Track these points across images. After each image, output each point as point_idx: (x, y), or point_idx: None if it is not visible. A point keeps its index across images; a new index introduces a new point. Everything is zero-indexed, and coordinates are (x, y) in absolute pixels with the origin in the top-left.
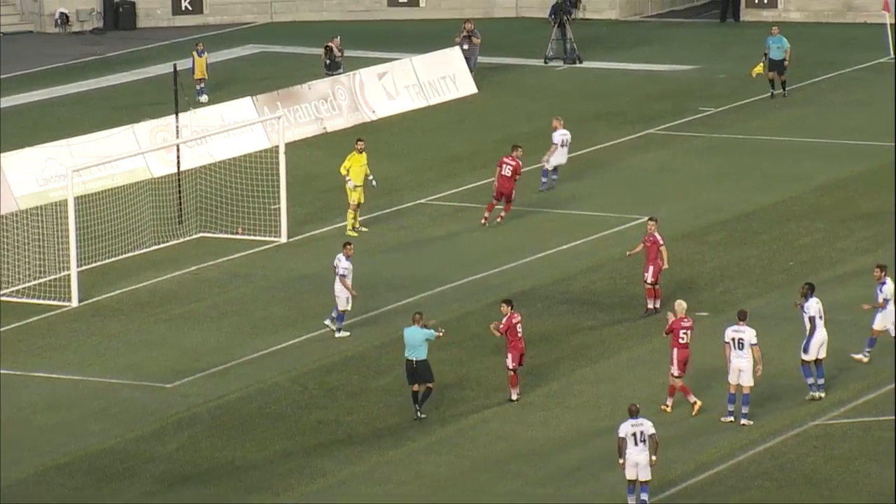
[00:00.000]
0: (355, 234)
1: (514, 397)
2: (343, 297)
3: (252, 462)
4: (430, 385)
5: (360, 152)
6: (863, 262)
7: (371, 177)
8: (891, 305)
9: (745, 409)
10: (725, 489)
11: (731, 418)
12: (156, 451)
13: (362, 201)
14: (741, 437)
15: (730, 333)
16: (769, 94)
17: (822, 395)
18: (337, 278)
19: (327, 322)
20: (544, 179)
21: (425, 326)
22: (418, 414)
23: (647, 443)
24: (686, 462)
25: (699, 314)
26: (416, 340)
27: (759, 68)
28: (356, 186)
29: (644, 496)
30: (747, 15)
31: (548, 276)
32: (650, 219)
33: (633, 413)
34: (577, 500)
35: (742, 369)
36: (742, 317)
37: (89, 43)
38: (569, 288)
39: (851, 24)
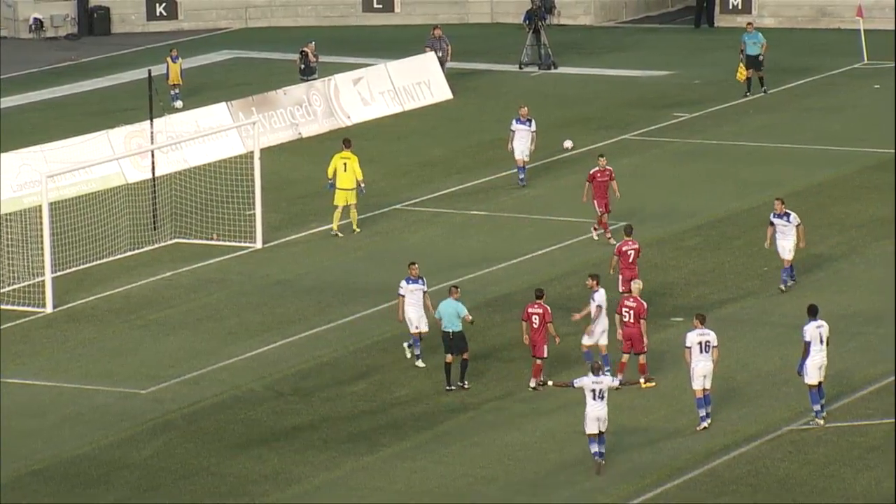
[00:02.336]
0: (341, 236)
1: (531, 385)
2: (409, 321)
3: (227, 468)
4: (465, 356)
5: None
6: (836, 268)
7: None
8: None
9: (707, 409)
10: (700, 494)
11: (706, 424)
12: (130, 457)
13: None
14: (715, 442)
15: (694, 338)
16: (745, 94)
17: (822, 421)
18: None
19: (415, 355)
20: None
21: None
22: (460, 383)
23: (605, 399)
24: (660, 467)
25: (674, 319)
26: (452, 313)
27: (743, 71)
28: (344, 190)
29: (601, 447)
30: (721, 21)
31: (523, 281)
32: (625, 231)
33: (595, 370)
34: None
35: (706, 374)
36: (703, 320)
37: (64, 48)
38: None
39: (825, 30)
